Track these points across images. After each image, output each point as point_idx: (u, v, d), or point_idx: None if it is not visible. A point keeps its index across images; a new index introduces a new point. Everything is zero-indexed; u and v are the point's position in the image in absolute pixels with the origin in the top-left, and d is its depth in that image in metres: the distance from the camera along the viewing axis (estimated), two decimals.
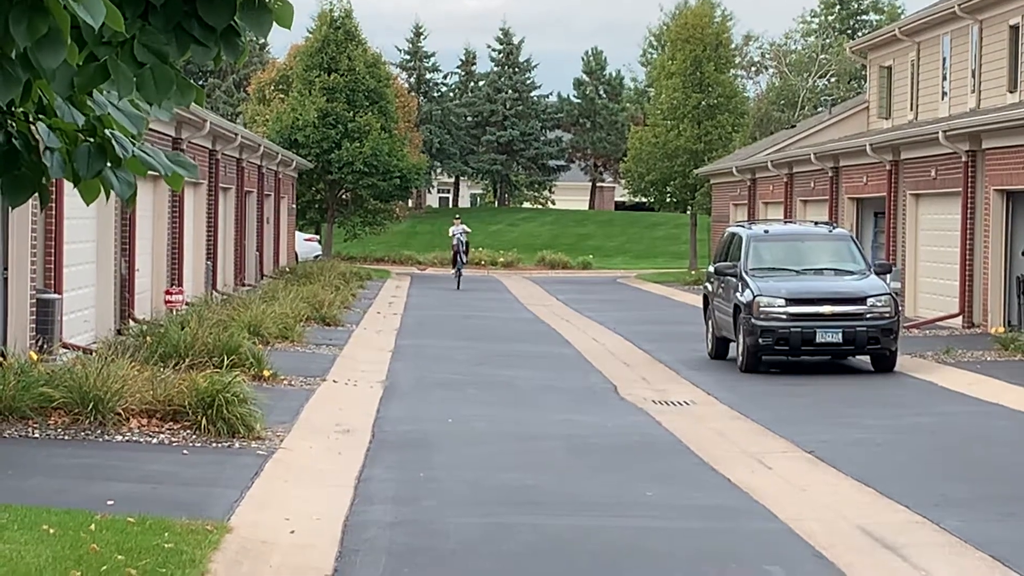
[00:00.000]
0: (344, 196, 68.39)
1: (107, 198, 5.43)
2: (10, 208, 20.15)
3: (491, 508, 13.29)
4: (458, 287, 52.50)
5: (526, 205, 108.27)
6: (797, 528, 12.44)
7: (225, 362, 19.76)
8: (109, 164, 5.21)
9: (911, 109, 44.46)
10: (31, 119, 5.30)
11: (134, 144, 5.29)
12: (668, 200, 69.74)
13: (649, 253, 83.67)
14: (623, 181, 75.57)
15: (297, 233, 63.48)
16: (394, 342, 30.85)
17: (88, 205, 5.65)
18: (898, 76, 46.21)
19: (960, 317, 32.68)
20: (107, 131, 5.22)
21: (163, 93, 4.90)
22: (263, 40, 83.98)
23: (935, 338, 30.31)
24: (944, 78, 41.71)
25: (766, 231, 27.82)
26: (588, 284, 59.41)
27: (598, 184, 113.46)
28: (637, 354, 28.89)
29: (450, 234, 55.92)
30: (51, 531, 10.59)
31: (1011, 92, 36.71)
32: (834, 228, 29.17)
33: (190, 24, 4.86)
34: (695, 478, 15.16)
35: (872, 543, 11.95)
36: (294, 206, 61.74)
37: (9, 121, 5.29)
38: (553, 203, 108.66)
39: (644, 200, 75.92)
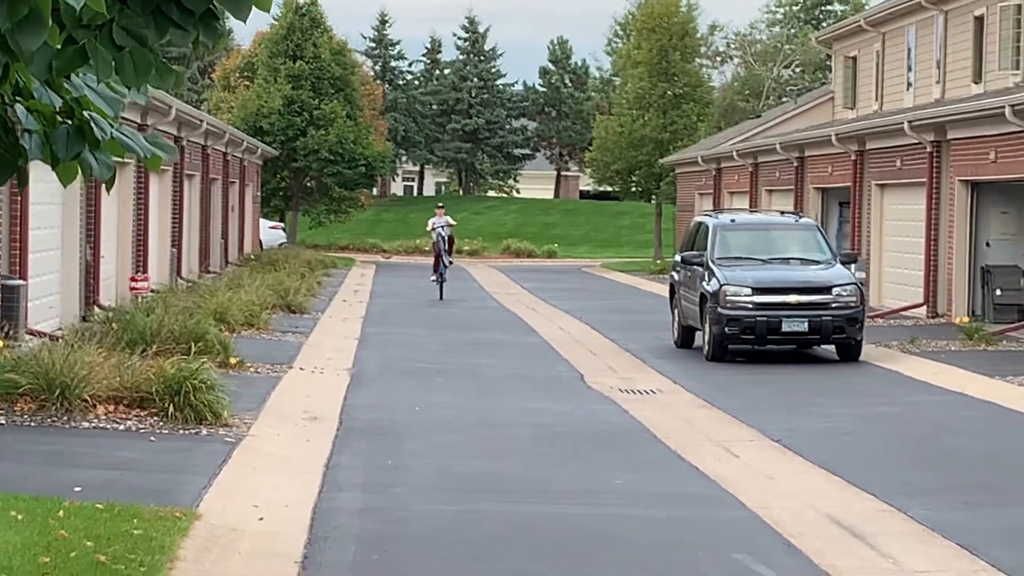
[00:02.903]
0: (309, 184, 68.29)
1: (85, 180, 5.41)
2: None
3: (460, 495, 13.30)
4: (440, 297, 40.69)
5: (491, 194, 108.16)
6: (765, 516, 12.48)
7: (192, 349, 19.70)
8: (88, 146, 5.19)
9: (876, 99, 44.60)
10: (7, 101, 5.27)
11: (112, 126, 5.27)
12: (633, 189, 69.77)
13: (614, 242, 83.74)
14: (588, 170, 75.57)
15: (262, 221, 63.32)
16: (360, 330, 30.81)
17: (65, 187, 5.63)
18: (863, 67, 46.35)
19: (924, 307, 32.82)
20: (85, 113, 5.20)
21: (142, 76, 4.88)
22: (228, 26, 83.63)
23: (900, 327, 30.42)
24: (909, 69, 41.86)
25: (733, 220, 27.84)
26: (553, 273, 59.43)
27: (563, 173, 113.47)
28: (603, 343, 28.92)
29: (429, 227, 42.47)
30: (19, 517, 10.55)
31: (975, 83, 36.86)
32: (800, 218, 29.25)
33: (169, 7, 4.84)
34: (663, 466, 15.19)
35: (840, 531, 12.00)
36: (259, 193, 61.57)
37: None
38: (518, 192, 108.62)
39: (609, 189, 75.93)
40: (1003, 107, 27.89)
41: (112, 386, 16.21)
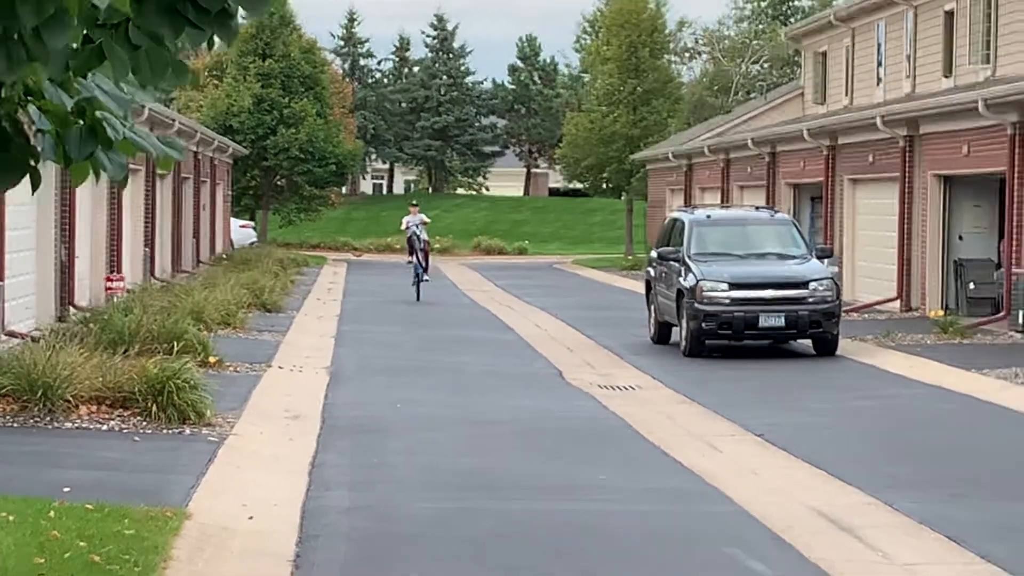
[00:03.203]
0: (279, 182, 68.20)
1: (97, 180, 5.40)
2: None
3: (447, 493, 13.30)
4: (418, 298, 39.43)
5: (460, 191, 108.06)
6: (752, 511, 12.52)
7: (175, 348, 19.64)
8: (100, 146, 5.18)
9: (846, 94, 44.72)
10: (19, 101, 5.25)
11: (125, 126, 5.26)
12: (604, 186, 69.80)
13: (585, 239, 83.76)
14: (559, 167, 75.57)
15: (232, 220, 63.18)
16: (336, 328, 30.78)
17: (76, 187, 5.63)
18: (833, 62, 46.47)
19: (898, 301, 32.94)
20: (98, 113, 5.19)
21: (158, 76, 4.87)
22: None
23: (874, 322, 30.55)
24: (879, 64, 41.98)
25: (708, 216, 27.91)
26: (525, 270, 59.44)
27: (533, 170, 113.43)
28: (579, 339, 28.95)
29: (403, 226, 41.27)
30: (10, 518, 10.51)
31: (946, 77, 36.99)
32: (776, 213, 29.33)
33: (184, 6, 4.83)
34: (647, 462, 15.22)
35: (828, 525, 12.05)
36: (230, 192, 61.45)
37: None
38: (487, 189, 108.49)
39: (579, 186, 75.93)
40: (976, 101, 28.01)
41: (94, 386, 16.16)
